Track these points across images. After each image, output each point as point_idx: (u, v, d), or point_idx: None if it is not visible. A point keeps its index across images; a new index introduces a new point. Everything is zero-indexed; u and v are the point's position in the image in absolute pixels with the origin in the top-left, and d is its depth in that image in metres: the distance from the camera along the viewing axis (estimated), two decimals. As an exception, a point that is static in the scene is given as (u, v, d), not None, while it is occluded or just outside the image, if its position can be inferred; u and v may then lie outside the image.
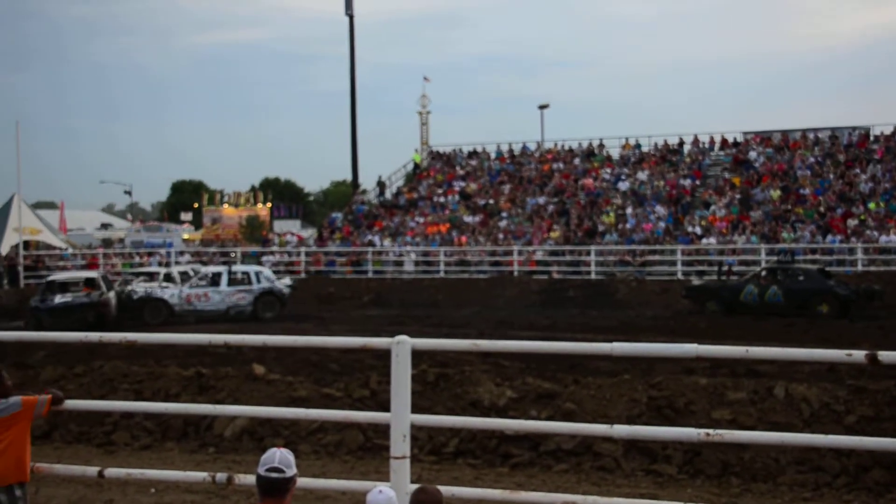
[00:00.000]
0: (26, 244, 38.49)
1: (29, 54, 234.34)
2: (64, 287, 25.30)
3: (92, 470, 7.01)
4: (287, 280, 28.14)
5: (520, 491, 6.56)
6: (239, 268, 27.35)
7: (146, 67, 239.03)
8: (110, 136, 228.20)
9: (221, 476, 6.64)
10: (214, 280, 25.87)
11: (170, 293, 25.44)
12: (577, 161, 43.85)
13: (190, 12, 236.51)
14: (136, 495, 8.73)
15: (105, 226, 75.45)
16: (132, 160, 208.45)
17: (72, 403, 7.18)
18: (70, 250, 41.59)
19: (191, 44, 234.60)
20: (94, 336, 7.50)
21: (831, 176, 37.23)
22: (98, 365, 13.07)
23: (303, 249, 39.27)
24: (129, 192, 78.51)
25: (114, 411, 11.11)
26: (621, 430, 6.17)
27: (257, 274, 26.34)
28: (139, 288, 26.17)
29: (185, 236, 58.26)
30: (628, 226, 36.19)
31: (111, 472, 6.98)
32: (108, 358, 13.89)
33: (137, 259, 39.42)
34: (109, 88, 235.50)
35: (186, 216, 70.31)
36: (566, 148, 45.67)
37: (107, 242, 55.03)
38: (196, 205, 70.97)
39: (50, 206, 76.99)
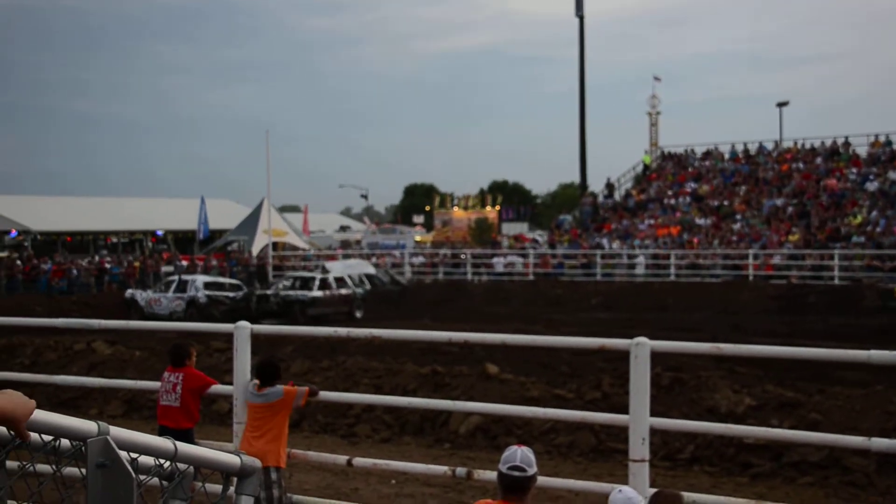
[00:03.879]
0: (274, 245, 41.26)
1: (275, 68, 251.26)
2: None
3: (341, 458, 7.37)
4: (233, 294, 29.09)
5: (764, 502, 6.26)
6: (187, 277, 30.33)
7: (380, 75, 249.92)
8: (348, 142, 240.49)
9: (461, 470, 6.78)
10: (169, 287, 29.58)
11: (142, 296, 29.50)
12: (818, 160, 41.42)
13: (420, 20, 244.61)
14: (378, 485, 9.12)
15: (343, 228, 79.20)
16: (368, 165, 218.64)
17: (321, 395, 7.60)
18: (312, 251, 44.12)
19: (422, 50, 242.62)
20: (342, 331, 7.92)
21: None
22: (342, 360, 13.81)
23: (531, 251, 39.53)
24: (365, 196, 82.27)
25: (356, 404, 11.69)
26: (881, 443, 5.75)
27: (193, 284, 29.04)
28: (135, 292, 30.35)
29: (418, 238, 60.11)
30: (878, 229, 33.72)
31: (358, 461, 7.32)
32: (348, 354, 14.65)
33: (374, 259, 41.15)
34: (347, 97, 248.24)
35: (418, 219, 72.42)
36: (807, 147, 43.26)
37: (345, 244, 57.79)
38: (427, 207, 73.12)
39: (294, 209, 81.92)
